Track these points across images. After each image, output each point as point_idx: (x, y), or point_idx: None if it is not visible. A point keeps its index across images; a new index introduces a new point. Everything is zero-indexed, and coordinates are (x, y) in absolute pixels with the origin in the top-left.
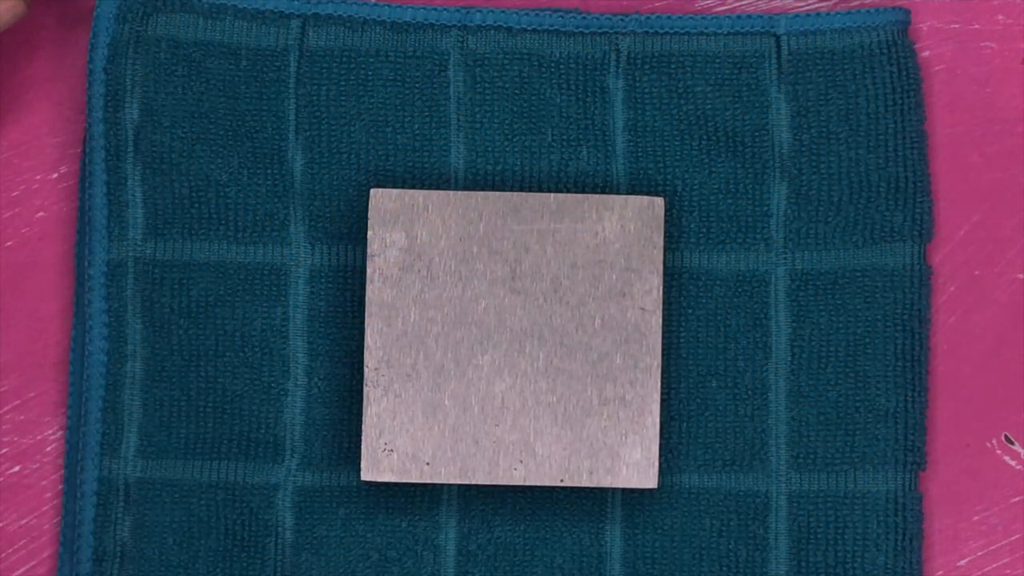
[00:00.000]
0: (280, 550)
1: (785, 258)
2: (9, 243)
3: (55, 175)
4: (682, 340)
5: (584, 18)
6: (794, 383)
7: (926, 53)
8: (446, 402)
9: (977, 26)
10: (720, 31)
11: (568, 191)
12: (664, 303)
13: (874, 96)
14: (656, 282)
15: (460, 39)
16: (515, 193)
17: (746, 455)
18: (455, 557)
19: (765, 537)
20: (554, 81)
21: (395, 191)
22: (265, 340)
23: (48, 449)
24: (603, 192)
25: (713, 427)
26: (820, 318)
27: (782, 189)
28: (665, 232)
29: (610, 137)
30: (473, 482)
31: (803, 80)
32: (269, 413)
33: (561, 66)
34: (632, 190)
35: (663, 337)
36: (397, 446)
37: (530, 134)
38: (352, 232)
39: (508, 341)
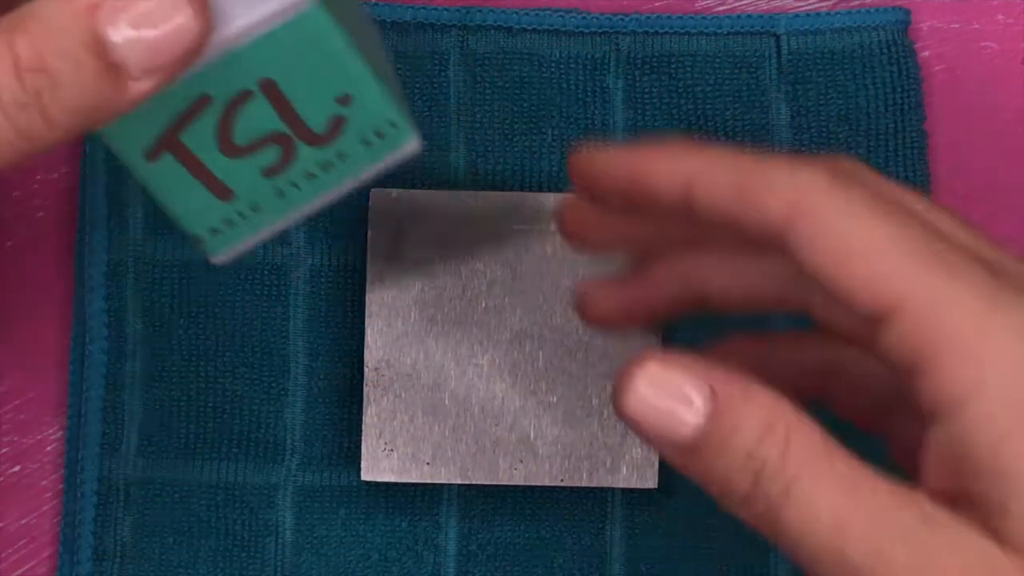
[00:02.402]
0: (280, 550)
1: None
2: (9, 243)
3: (55, 175)
4: (682, 339)
5: (584, 18)
6: None
7: (926, 53)
8: (446, 402)
9: (977, 26)
10: (720, 31)
11: (568, 191)
12: None
13: (874, 96)
14: None
15: (460, 39)
16: (515, 193)
17: None
18: (455, 557)
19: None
20: (554, 81)
21: (395, 191)
22: (265, 340)
23: (48, 449)
24: None
25: None
26: None
27: None
28: None
29: (610, 137)
30: (473, 482)
31: (803, 80)
32: (269, 413)
33: (561, 66)
34: None
35: (663, 336)
36: (397, 446)
37: (530, 134)
38: (352, 232)
39: (508, 341)
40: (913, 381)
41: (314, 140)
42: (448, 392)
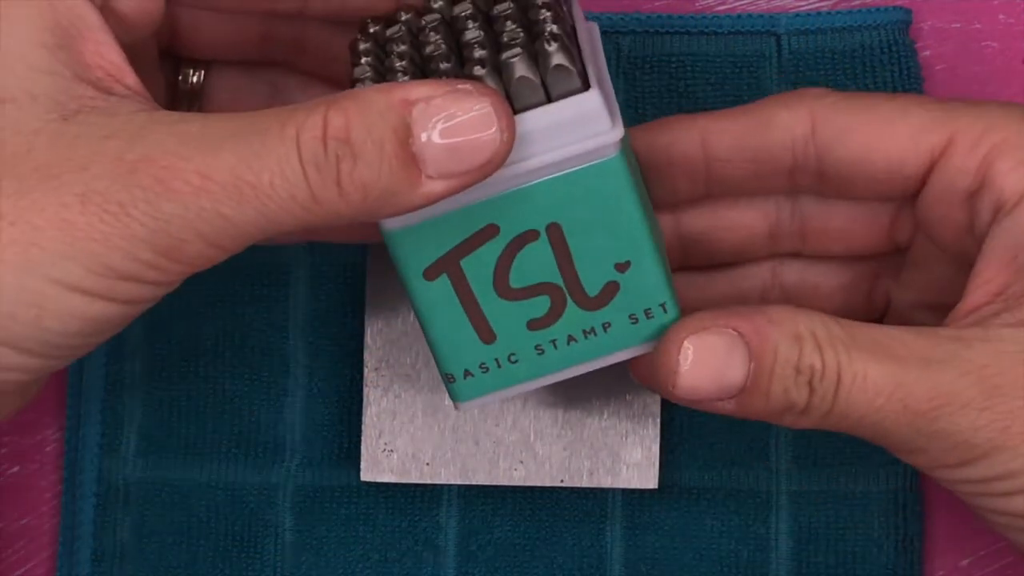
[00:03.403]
0: (280, 550)
1: None
2: None
3: None
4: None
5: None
6: None
7: (927, 53)
8: (446, 402)
9: (978, 25)
10: (720, 31)
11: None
12: None
13: None
14: None
15: None
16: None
17: (747, 454)
18: (455, 557)
19: (766, 537)
20: None
21: None
22: (265, 340)
23: (48, 449)
24: None
25: (714, 426)
26: None
27: None
28: None
29: None
30: (473, 482)
31: (803, 80)
32: (269, 413)
33: None
34: None
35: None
36: (397, 446)
37: None
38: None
39: None
40: (974, 202)
41: (585, 302)
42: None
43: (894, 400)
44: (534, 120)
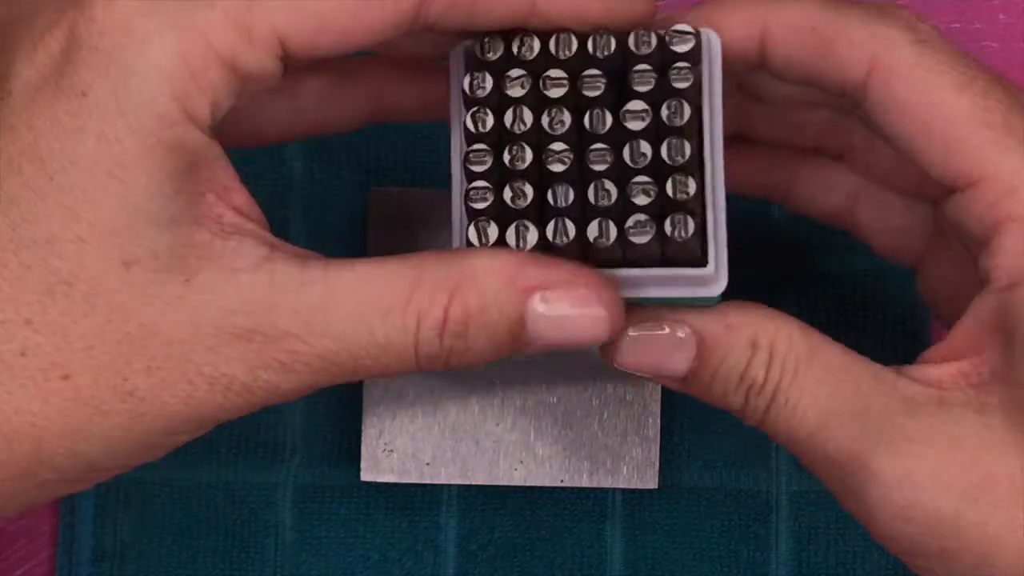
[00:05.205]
0: (280, 550)
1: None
2: None
3: None
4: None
5: None
6: None
7: None
8: (446, 402)
9: (978, 25)
10: None
11: None
12: None
13: None
14: None
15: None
16: None
17: (747, 454)
18: (455, 557)
19: (767, 537)
20: None
21: (395, 190)
22: None
23: None
24: None
25: (714, 426)
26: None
27: None
28: None
29: None
30: (473, 482)
31: None
32: (269, 413)
33: None
34: None
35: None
36: (397, 446)
37: None
38: (352, 231)
39: None
40: (974, 248)
41: None
42: (448, 392)
43: (816, 441)
44: (644, 271)
